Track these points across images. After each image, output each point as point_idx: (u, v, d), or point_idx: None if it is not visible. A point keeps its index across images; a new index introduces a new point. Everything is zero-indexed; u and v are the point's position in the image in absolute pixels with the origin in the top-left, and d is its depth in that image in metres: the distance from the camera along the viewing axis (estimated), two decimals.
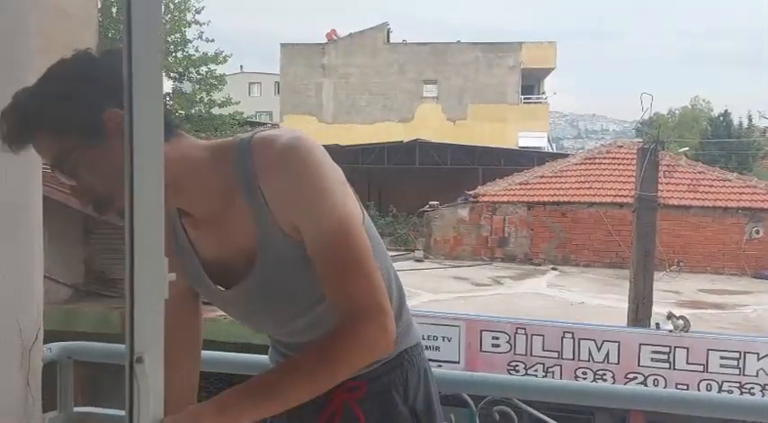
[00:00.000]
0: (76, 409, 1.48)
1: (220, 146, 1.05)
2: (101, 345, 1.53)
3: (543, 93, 29.74)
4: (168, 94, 18.31)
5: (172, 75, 18.53)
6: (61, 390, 1.45)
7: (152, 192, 0.72)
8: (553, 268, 12.96)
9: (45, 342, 1.46)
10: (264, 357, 1.32)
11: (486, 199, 14.28)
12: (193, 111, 19.07)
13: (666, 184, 11.87)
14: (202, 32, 19.22)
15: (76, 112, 0.92)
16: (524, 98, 26.94)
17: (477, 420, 1.47)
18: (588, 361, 6.64)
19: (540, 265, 13.26)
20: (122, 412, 1.50)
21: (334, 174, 1.02)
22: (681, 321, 6.64)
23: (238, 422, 0.91)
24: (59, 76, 0.94)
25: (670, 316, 6.72)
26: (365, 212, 1.10)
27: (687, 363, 6.37)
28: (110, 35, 15.65)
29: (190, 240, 1.11)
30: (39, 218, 1.26)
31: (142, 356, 0.72)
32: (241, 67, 41.67)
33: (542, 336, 6.76)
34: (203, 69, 19.46)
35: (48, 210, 1.27)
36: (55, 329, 1.74)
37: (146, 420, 0.76)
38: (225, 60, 19.91)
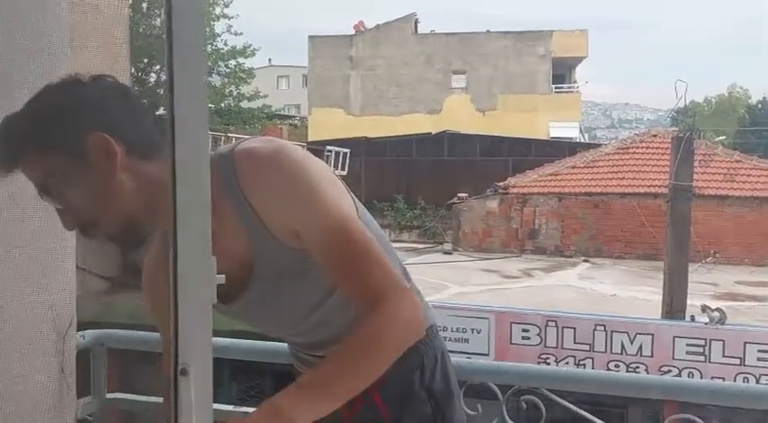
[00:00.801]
0: (109, 395, 1.50)
1: None
2: (133, 333, 1.56)
3: (575, 82, 29.26)
4: None
5: None
6: (94, 376, 1.48)
7: (197, 187, 0.68)
8: (585, 260, 12.79)
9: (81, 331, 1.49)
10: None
11: (515, 190, 14.14)
12: (222, 104, 19.25)
13: (702, 173, 11.59)
14: (231, 26, 19.38)
15: (58, 133, 0.93)
16: (555, 87, 26.55)
17: (505, 410, 1.45)
18: (621, 354, 6.54)
19: (571, 256, 13.10)
20: (154, 399, 1.54)
21: (323, 173, 1.03)
22: (717, 313, 6.49)
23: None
24: (44, 99, 0.96)
25: (704, 308, 6.58)
26: (360, 206, 1.10)
27: (723, 356, 6.24)
28: (140, 30, 15.87)
29: None
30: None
31: (187, 368, 0.66)
32: (269, 60, 41.91)
33: (573, 328, 6.68)
34: (232, 63, 19.63)
35: None
36: (91, 320, 1.77)
37: None
38: (253, 54, 20.05)
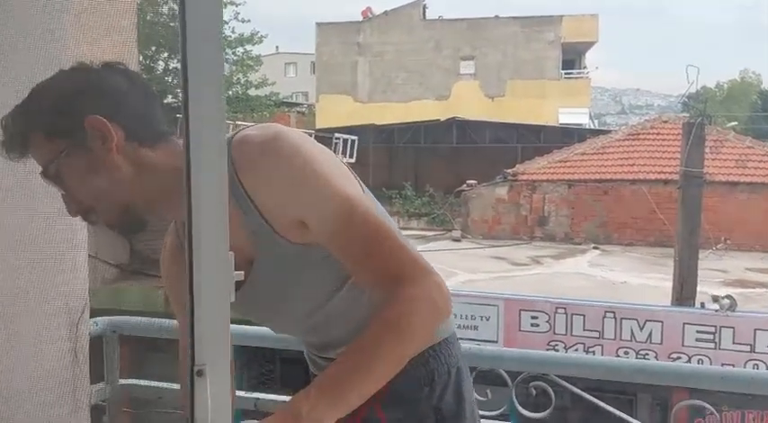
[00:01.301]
0: (122, 381, 1.52)
1: None
2: (145, 319, 1.57)
3: (585, 67, 28.99)
4: None
5: None
6: (107, 362, 1.50)
7: (213, 177, 0.64)
8: (594, 247, 12.75)
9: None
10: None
11: (525, 177, 14.08)
12: (230, 92, 19.26)
13: (713, 159, 11.48)
14: (238, 13, 19.32)
15: (60, 118, 0.92)
16: (565, 73, 26.32)
17: (514, 396, 1.46)
18: (630, 341, 6.54)
19: (580, 243, 13.06)
20: (166, 384, 1.56)
21: (325, 156, 0.98)
22: (727, 300, 6.47)
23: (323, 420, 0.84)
24: (49, 85, 0.96)
25: (715, 299, 6.54)
26: (367, 190, 1.05)
27: (733, 343, 6.22)
28: (148, 18, 15.86)
29: None
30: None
31: (203, 369, 0.63)
32: (277, 47, 41.77)
33: (583, 315, 6.67)
34: (239, 50, 19.61)
35: None
36: (102, 308, 1.79)
37: None
38: (261, 41, 20.03)
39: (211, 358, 0.64)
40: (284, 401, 1.50)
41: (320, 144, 1.01)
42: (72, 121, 0.91)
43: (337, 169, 0.98)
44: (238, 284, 0.95)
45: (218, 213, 0.64)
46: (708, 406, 1.20)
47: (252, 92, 20.04)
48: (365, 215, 0.94)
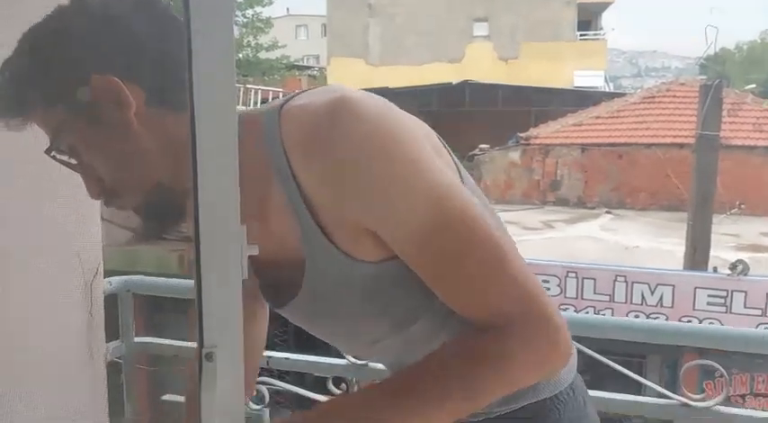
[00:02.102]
0: (137, 339, 1.56)
1: (248, 118, 0.73)
2: (159, 279, 1.59)
3: (601, 29, 28.41)
4: None
5: None
6: (122, 320, 1.52)
7: (222, 144, 0.56)
8: (607, 212, 12.68)
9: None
10: None
11: (538, 141, 13.95)
12: (240, 55, 19.12)
13: (730, 123, 11.29)
14: None
15: (55, 75, 0.71)
16: (580, 35, 25.82)
17: None
18: (641, 304, 6.55)
19: (593, 208, 12.99)
20: (181, 342, 1.58)
21: (411, 134, 0.69)
22: (739, 265, 6.44)
23: None
24: (40, 28, 0.73)
25: (733, 266, 6.49)
26: (465, 173, 0.79)
27: (745, 307, 6.21)
28: None
29: None
30: None
31: (213, 352, 0.58)
32: (287, 9, 41.24)
33: (594, 279, 6.68)
34: (249, 12, 19.38)
35: None
36: (115, 269, 1.81)
37: None
38: (271, 2, 19.79)
39: (222, 340, 0.58)
40: (292, 359, 1.52)
41: (405, 114, 0.72)
42: (75, 83, 0.70)
43: (426, 152, 0.69)
44: (290, 294, 0.78)
45: (228, 181, 0.57)
46: (717, 366, 1.21)
47: (262, 55, 19.89)
48: (469, 226, 0.67)
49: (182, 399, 1.49)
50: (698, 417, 1.24)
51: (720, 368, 1.21)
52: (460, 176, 0.76)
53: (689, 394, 1.24)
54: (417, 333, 0.78)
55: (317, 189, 0.69)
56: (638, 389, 1.23)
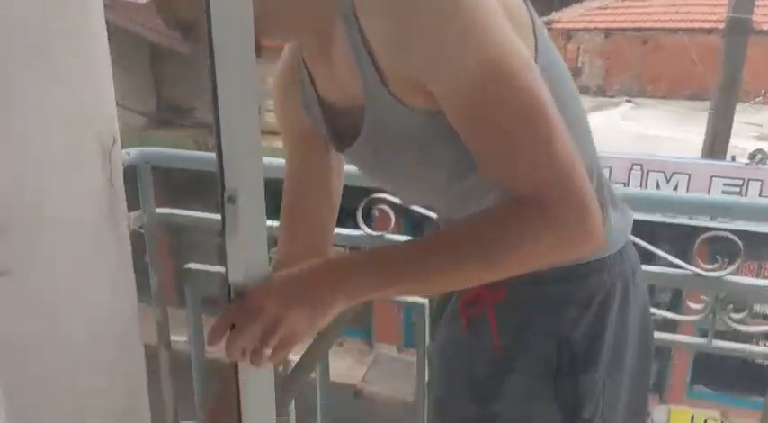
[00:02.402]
0: (158, 210, 1.59)
1: None
2: (177, 151, 1.59)
3: None
4: None
5: None
6: (142, 191, 1.55)
7: None
8: (628, 100, 12.37)
9: None
10: None
11: (560, 26, 13.35)
12: None
13: (765, 6, 10.68)
14: None
15: None
16: None
17: None
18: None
19: (614, 97, 12.66)
20: (202, 213, 1.61)
21: None
22: (758, 154, 6.35)
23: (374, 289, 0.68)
24: None
25: (752, 155, 6.39)
26: (545, 45, 0.79)
27: (760, 195, 6.20)
28: None
29: (315, 90, 0.88)
30: (103, 35, 1.26)
31: (235, 195, 0.57)
32: None
33: (609, 167, 6.64)
34: None
35: (117, 40, 1.24)
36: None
37: (238, 271, 0.61)
38: None
39: (243, 182, 0.59)
40: None
41: None
42: None
43: (493, 14, 0.65)
44: (351, 137, 0.80)
45: (242, 16, 0.55)
46: (732, 237, 1.21)
47: None
48: (514, 92, 0.64)
49: (204, 267, 1.55)
50: (710, 286, 1.27)
51: (734, 238, 1.21)
52: (535, 39, 0.77)
53: (702, 264, 1.26)
54: (469, 188, 0.79)
55: (378, 37, 0.68)
56: (649, 259, 1.24)
